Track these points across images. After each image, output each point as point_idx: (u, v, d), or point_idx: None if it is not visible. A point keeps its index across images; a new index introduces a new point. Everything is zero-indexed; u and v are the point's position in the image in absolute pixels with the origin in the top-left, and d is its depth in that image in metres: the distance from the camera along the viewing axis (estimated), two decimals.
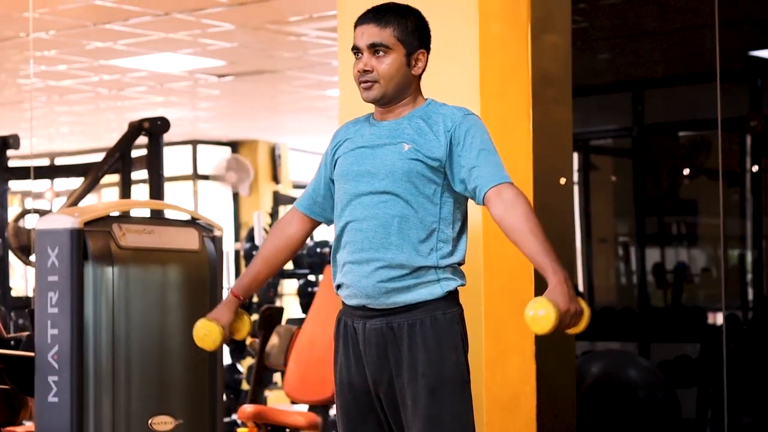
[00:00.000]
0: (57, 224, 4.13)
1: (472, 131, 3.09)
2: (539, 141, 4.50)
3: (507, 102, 4.41)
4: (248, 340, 6.11)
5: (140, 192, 6.99)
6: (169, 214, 4.82)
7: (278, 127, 13.28)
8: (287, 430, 5.37)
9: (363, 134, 3.19)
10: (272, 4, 7.45)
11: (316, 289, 8.58)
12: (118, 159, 6.26)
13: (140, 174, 6.44)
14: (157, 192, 6.25)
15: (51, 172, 9.93)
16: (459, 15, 4.30)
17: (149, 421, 4.22)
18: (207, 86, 10.45)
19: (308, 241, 9.52)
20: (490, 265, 4.28)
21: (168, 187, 6.92)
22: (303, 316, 8.27)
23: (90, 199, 7.07)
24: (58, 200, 10.37)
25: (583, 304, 2.89)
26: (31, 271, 7.21)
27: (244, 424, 5.45)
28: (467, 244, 3.17)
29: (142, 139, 6.41)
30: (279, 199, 10.70)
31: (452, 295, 3.11)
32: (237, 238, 13.55)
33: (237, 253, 11.34)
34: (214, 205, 13.81)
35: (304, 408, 5.42)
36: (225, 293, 3.78)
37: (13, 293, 7.78)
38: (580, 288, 8.91)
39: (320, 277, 8.84)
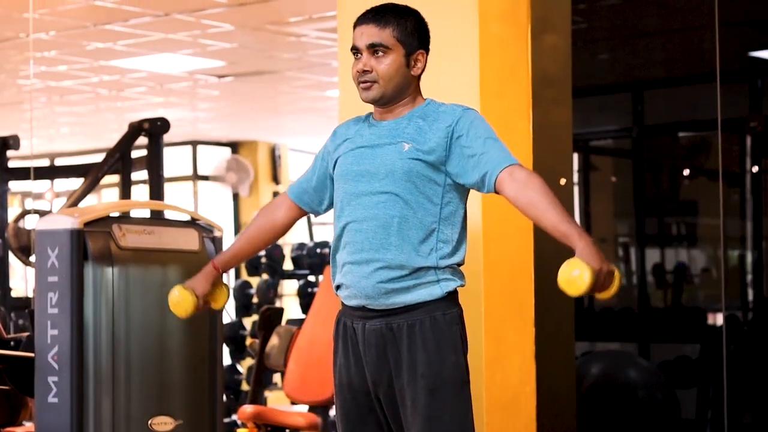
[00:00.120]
0: (57, 225, 4.13)
1: (475, 123, 3.10)
2: (539, 141, 4.50)
3: (507, 102, 4.41)
4: (248, 341, 6.11)
5: (140, 192, 6.99)
6: (169, 214, 4.82)
7: (278, 127, 13.29)
8: (287, 430, 5.37)
9: (363, 134, 3.19)
10: (272, 4, 7.45)
11: (316, 289, 8.58)
12: (118, 159, 6.26)
13: (140, 174, 6.45)
14: (157, 192, 6.25)
15: (51, 172, 9.93)
16: (459, 15, 4.30)
17: (149, 422, 4.22)
18: (207, 87, 10.45)
19: (308, 241, 9.53)
20: (490, 266, 4.28)
21: (168, 188, 6.92)
22: (303, 316, 8.27)
23: (90, 200, 7.07)
24: (58, 201, 10.36)
25: (613, 266, 2.88)
26: (31, 271, 7.20)
27: (244, 425, 5.46)
28: (467, 245, 3.16)
29: (142, 140, 6.42)
30: None
31: (452, 296, 3.11)
32: None
33: None
34: (214, 206, 13.81)
35: (304, 408, 5.42)
36: None
37: (13, 294, 7.78)
38: None
39: (320, 277, 8.84)
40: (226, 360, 8.56)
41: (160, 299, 4.24)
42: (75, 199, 6.00)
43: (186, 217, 4.60)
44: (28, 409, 4.84)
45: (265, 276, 9.16)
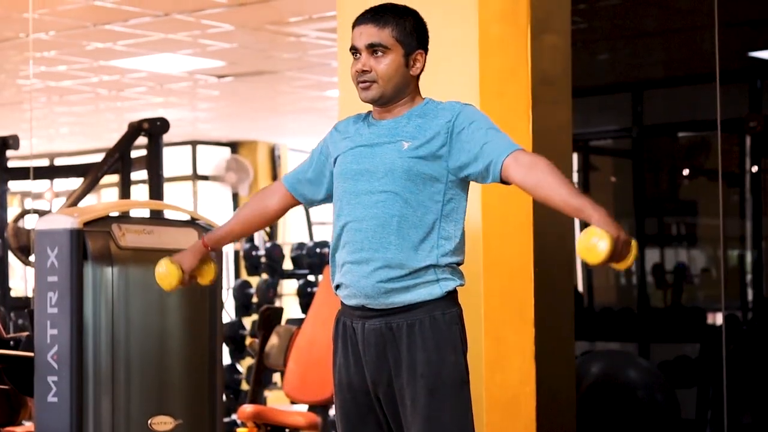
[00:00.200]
0: (56, 224, 4.13)
1: (475, 116, 3.11)
2: (539, 141, 4.49)
3: (507, 102, 4.41)
4: (248, 341, 6.11)
5: (140, 192, 7.00)
6: (168, 214, 4.82)
7: (278, 127, 13.29)
8: (287, 430, 5.37)
9: (362, 133, 3.19)
10: (272, 4, 7.45)
11: (315, 289, 8.58)
12: (118, 159, 6.27)
13: (140, 174, 6.45)
14: (156, 192, 6.26)
15: (50, 172, 9.93)
16: (459, 15, 4.30)
17: (149, 421, 4.22)
18: (207, 87, 10.45)
19: (308, 241, 9.53)
20: (490, 266, 4.28)
21: (167, 188, 6.93)
22: (302, 316, 8.26)
23: (89, 200, 7.07)
24: (57, 201, 10.37)
25: (630, 236, 2.86)
26: (30, 271, 7.20)
27: (243, 424, 5.46)
28: (466, 245, 3.16)
29: (142, 140, 6.42)
30: None
31: (451, 296, 3.11)
32: None
33: (236, 253, 11.33)
34: (214, 206, 13.81)
35: (303, 408, 5.43)
36: (225, 294, 3.79)
37: (13, 293, 7.78)
38: (580, 289, 8.91)
39: (320, 277, 8.84)
40: (226, 360, 8.56)
41: (160, 299, 4.25)
42: (74, 199, 6.00)
43: (186, 217, 4.60)
44: (28, 409, 4.84)
45: (264, 276, 9.16)
